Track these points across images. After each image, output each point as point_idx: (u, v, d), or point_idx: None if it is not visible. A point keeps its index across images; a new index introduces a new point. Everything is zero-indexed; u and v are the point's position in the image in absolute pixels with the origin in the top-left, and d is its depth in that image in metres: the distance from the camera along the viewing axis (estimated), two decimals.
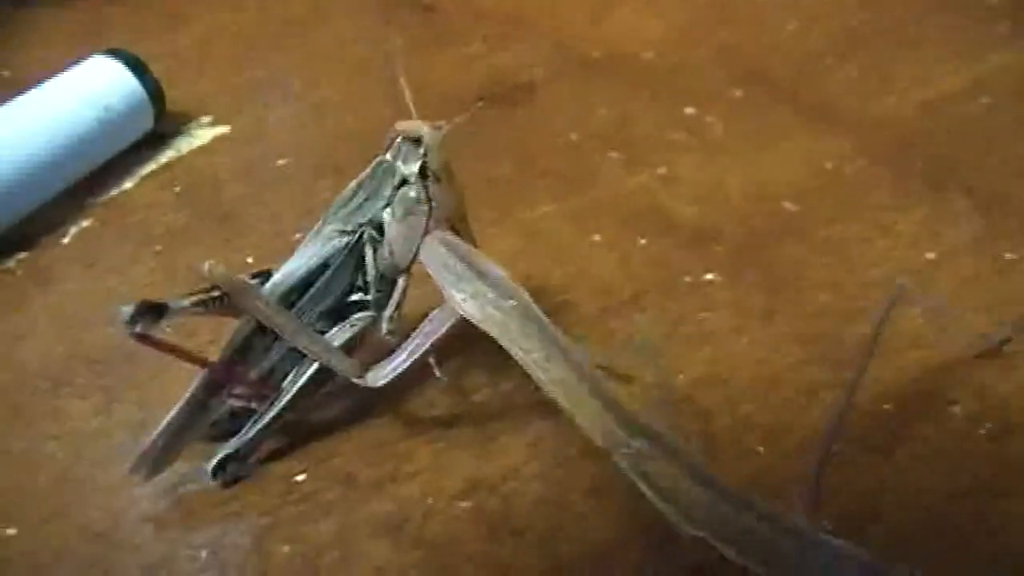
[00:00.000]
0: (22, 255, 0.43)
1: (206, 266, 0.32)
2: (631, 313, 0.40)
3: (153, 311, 0.32)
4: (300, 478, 0.35)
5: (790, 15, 0.60)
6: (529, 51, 0.57)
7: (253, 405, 0.35)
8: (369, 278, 0.36)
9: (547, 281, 0.42)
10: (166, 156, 0.49)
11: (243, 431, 0.35)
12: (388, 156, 0.35)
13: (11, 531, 0.34)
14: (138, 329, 0.31)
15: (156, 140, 0.49)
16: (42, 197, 0.44)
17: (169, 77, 0.50)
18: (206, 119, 0.51)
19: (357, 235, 0.35)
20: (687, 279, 0.43)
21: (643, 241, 0.44)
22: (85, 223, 0.45)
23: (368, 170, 0.36)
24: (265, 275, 0.36)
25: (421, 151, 0.34)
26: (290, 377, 0.36)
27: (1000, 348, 0.40)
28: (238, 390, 0.35)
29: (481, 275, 0.32)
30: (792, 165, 0.49)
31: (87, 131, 0.45)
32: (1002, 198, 0.47)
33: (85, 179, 0.46)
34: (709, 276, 0.43)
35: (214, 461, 0.35)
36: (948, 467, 0.36)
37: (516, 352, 0.31)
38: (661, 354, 0.35)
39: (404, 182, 0.35)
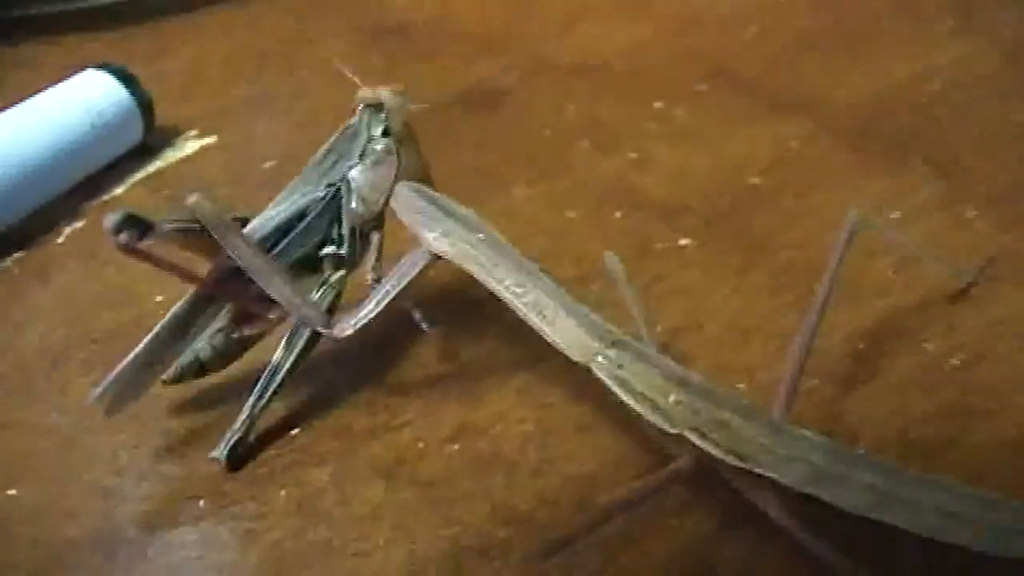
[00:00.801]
0: (19, 254, 0.45)
1: (192, 198, 0.33)
2: (605, 275, 0.42)
3: (138, 224, 0.32)
4: (294, 432, 0.36)
5: (751, 20, 0.63)
6: (502, 63, 0.59)
7: (236, 335, 0.36)
8: (343, 231, 0.37)
9: (525, 252, 0.43)
10: (155, 165, 0.50)
11: (245, 413, 0.35)
12: (353, 121, 0.38)
13: (12, 491, 0.35)
14: (122, 239, 0.32)
15: (145, 151, 0.51)
16: (35, 201, 0.46)
17: (157, 100, 0.52)
18: (193, 132, 0.53)
19: (333, 190, 0.37)
20: (660, 244, 0.44)
21: (618, 214, 0.46)
22: (79, 224, 0.47)
23: (336, 134, 0.38)
24: (243, 220, 0.37)
25: (382, 115, 0.37)
26: (280, 350, 0.36)
27: (968, 289, 0.42)
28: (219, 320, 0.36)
29: (450, 213, 0.33)
30: (757, 146, 0.51)
31: (79, 139, 0.47)
32: (960, 165, 0.49)
33: (76, 186, 0.48)
34: (683, 241, 0.44)
35: (226, 448, 0.35)
36: (921, 394, 0.37)
37: (490, 282, 0.32)
38: (630, 281, 0.37)
39: (370, 141, 0.37)
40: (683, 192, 0.48)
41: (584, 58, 0.60)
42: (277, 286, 0.34)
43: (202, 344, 0.36)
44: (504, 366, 0.39)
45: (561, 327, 0.31)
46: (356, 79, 0.38)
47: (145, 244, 0.33)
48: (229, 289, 0.36)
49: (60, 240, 0.46)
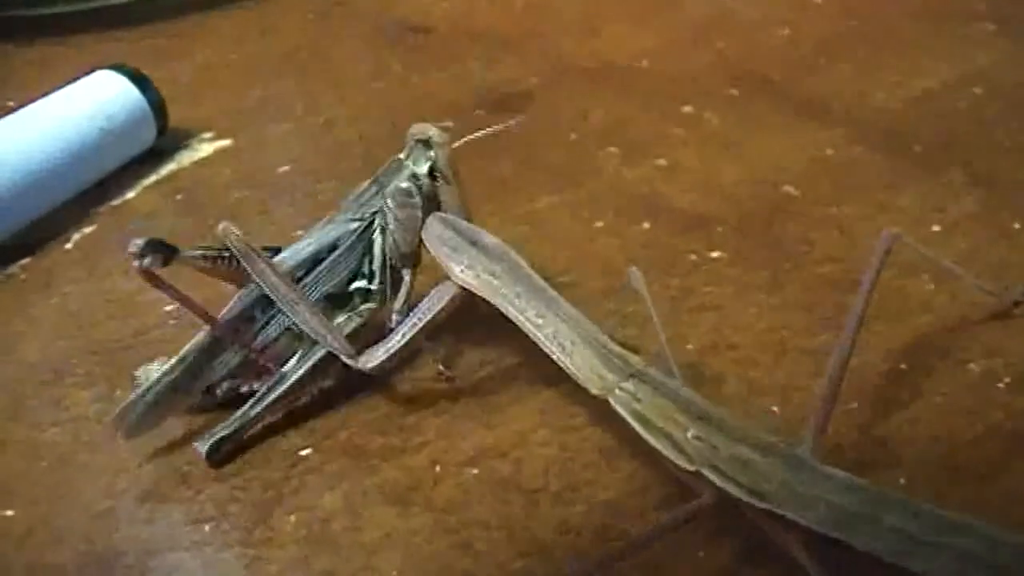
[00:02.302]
0: (26, 260, 0.43)
1: (221, 226, 0.33)
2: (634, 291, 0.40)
3: (163, 249, 0.32)
4: (305, 452, 0.35)
5: (781, 23, 0.61)
6: (524, 65, 0.57)
7: (245, 387, 0.35)
8: (375, 266, 0.37)
9: (550, 264, 0.42)
10: (167, 168, 0.49)
11: (240, 412, 0.34)
12: (401, 156, 0.37)
13: (9, 512, 0.33)
14: (146, 263, 0.32)
15: (158, 154, 0.49)
16: (45, 205, 0.45)
17: (171, 99, 0.50)
18: (207, 135, 0.51)
19: (367, 222, 0.37)
20: (692, 257, 0.42)
21: (645, 225, 0.44)
22: (88, 229, 0.45)
23: (383, 167, 0.37)
24: (273, 251, 0.37)
25: (431, 152, 0.36)
26: (294, 361, 0.36)
27: (1012, 308, 0.40)
28: (229, 364, 0.35)
29: (474, 243, 0.33)
30: (789, 154, 0.49)
31: (90, 142, 0.45)
32: (1001, 174, 0.47)
33: (87, 190, 0.47)
34: (714, 254, 0.43)
35: (210, 441, 0.34)
36: (966, 418, 0.35)
37: (512, 313, 0.31)
38: (652, 297, 0.35)
39: (414, 178, 0.36)
40: (713, 202, 0.46)
41: (608, 60, 0.58)
42: (303, 316, 0.34)
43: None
44: (526, 384, 0.37)
45: (579, 359, 0.30)
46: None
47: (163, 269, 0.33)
48: (239, 336, 0.35)
49: (68, 246, 0.44)
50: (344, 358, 0.34)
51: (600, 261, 0.42)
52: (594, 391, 0.30)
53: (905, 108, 0.53)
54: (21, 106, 0.46)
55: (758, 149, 0.49)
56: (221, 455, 0.34)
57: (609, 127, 0.52)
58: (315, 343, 0.35)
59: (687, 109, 0.53)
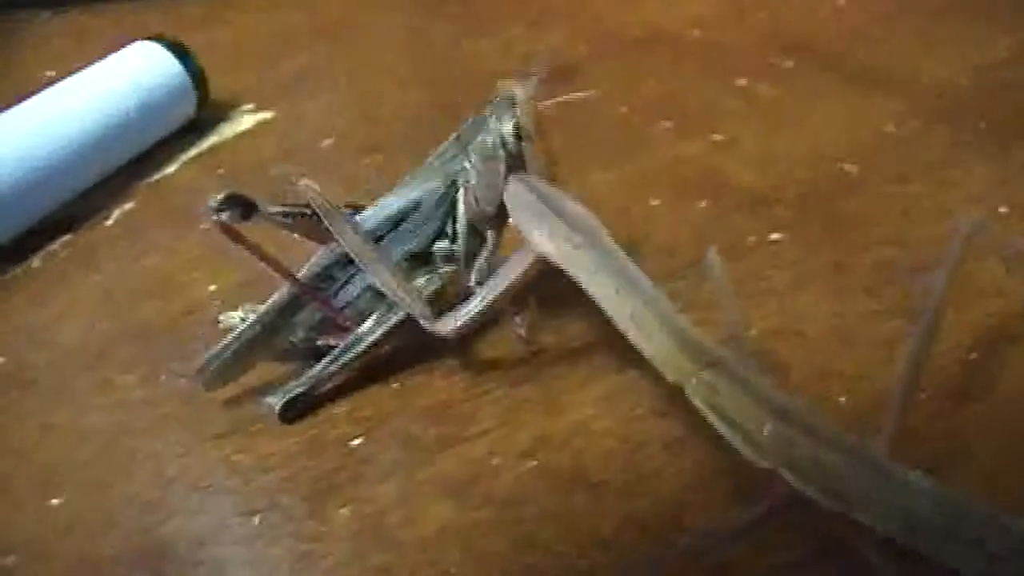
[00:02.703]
0: (66, 237, 0.42)
1: (302, 182, 0.32)
2: (697, 273, 0.39)
3: (242, 204, 0.32)
4: (357, 442, 0.33)
5: None
6: (571, 34, 0.56)
7: (323, 343, 0.35)
8: (459, 227, 0.36)
9: None
10: (208, 141, 0.48)
11: (316, 370, 0.34)
12: (486, 112, 0.36)
13: (55, 501, 0.32)
14: (224, 218, 0.31)
15: (198, 126, 0.48)
16: (85, 181, 0.44)
17: (210, 69, 0.49)
18: (248, 106, 0.50)
19: (450, 182, 0.36)
20: (752, 238, 0.41)
21: (703, 204, 0.43)
22: (128, 205, 0.44)
23: (466, 124, 0.36)
24: (355, 209, 0.36)
25: (515, 110, 0.35)
26: (370, 322, 0.35)
27: None
28: (309, 320, 0.35)
29: (559, 213, 0.30)
30: (847, 128, 0.47)
31: (130, 115, 0.44)
32: None
33: (128, 164, 0.46)
34: (774, 236, 0.41)
35: (285, 399, 0.34)
36: None
37: (591, 288, 0.29)
38: (730, 281, 0.33)
39: (500, 138, 0.35)
40: (772, 179, 0.44)
41: (657, 29, 0.56)
42: (383, 276, 0.33)
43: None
44: (587, 370, 0.35)
45: (657, 343, 0.28)
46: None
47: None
48: (318, 293, 0.35)
49: (109, 223, 0.43)
50: (422, 321, 0.33)
51: (660, 242, 0.41)
52: (670, 378, 0.28)
53: (967, 79, 0.51)
54: (60, 77, 0.45)
55: (816, 124, 0.48)
56: (293, 412, 0.34)
57: (661, 100, 0.50)
58: (393, 304, 0.34)
59: (741, 82, 0.51)
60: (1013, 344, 0.36)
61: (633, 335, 0.29)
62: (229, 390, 0.35)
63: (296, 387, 0.34)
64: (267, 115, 0.50)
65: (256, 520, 0.31)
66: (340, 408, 0.34)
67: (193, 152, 0.47)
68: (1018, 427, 0.33)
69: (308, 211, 0.33)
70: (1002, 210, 0.42)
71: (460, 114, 0.38)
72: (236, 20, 0.58)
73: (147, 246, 0.42)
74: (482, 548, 0.30)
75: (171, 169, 0.46)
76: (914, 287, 0.35)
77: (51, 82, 0.45)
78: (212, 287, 0.39)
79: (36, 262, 0.42)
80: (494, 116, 0.35)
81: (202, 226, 0.42)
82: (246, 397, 0.35)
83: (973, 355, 0.36)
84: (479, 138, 0.35)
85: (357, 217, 0.35)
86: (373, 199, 0.36)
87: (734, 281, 0.38)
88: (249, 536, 0.31)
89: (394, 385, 0.35)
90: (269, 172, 0.45)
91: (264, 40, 0.56)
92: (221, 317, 0.35)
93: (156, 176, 0.46)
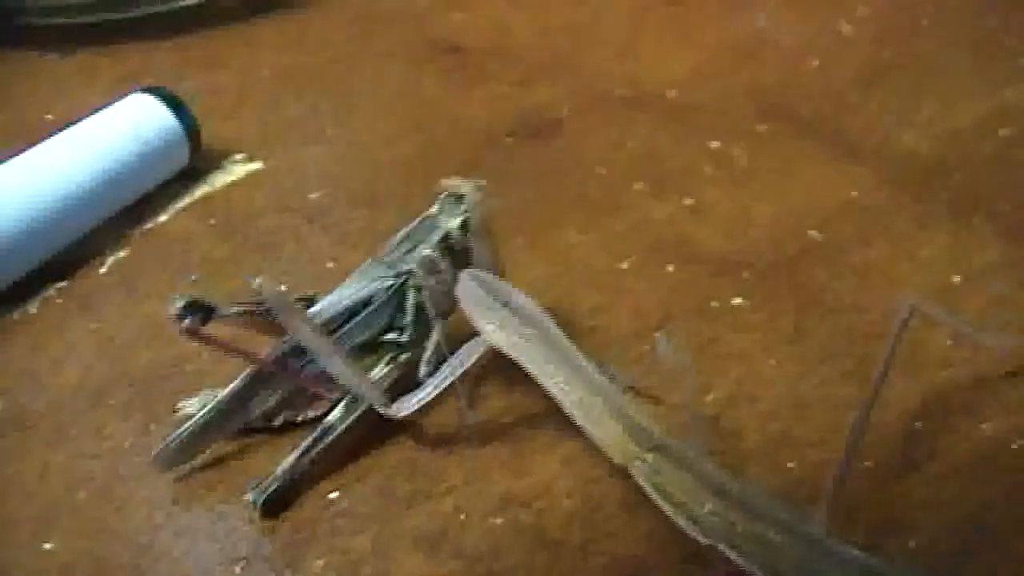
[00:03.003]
0: (62, 284, 0.44)
1: (256, 281, 0.34)
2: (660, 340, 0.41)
3: (201, 309, 0.34)
4: (334, 495, 0.36)
5: (813, 53, 0.61)
6: (556, 90, 0.58)
7: (300, 417, 0.37)
8: (407, 320, 0.38)
9: (578, 305, 0.42)
10: (201, 190, 0.50)
11: (289, 462, 0.35)
12: (433, 210, 0.38)
13: (48, 545, 0.34)
14: (186, 324, 0.33)
15: (191, 175, 0.50)
16: (81, 228, 0.46)
17: (206, 116, 0.51)
18: (240, 156, 0.52)
19: (401, 280, 0.38)
20: (715, 303, 0.43)
21: (671, 268, 0.45)
22: (122, 253, 0.46)
23: (415, 222, 0.38)
24: (308, 301, 0.38)
25: (463, 207, 0.37)
26: (339, 411, 0.37)
27: None
28: (277, 395, 0.37)
29: (507, 304, 0.33)
30: (816, 195, 0.50)
31: (125, 164, 0.46)
32: None
33: (120, 213, 0.48)
34: (737, 300, 0.43)
35: (264, 495, 0.35)
36: (980, 480, 0.36)
37: (540, 378, 0.32)
38: (687, 358, 0.36)
39: (447, 236, 0.37)
40: (739, 244, 0.46)
41: (640, 88, 0.58)
42: (339, 367, 0.35)
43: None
44: (550, 432, 0.37)
45: (603, 428, 0.31)
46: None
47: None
48: (287, 371, 0.37)
49: (103, 270, 0.45)
50: (378, 407, 0.35)
51: (628, 304, 0.43)
52: (616, 460, 0.31)
53: (934, 149, 0.53)
54: (59, 120, 0.47)
55: (785, 189, 0.50)
56: (273, 505, 0.35)
57: (638, 161, 0.52)
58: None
59: (715, 144, 0.53)
60: (958, 414, 0.38)
61: (580, 421, 0.31)
62: (217, 447, 0.37)
63: (273, 482, 0.35)
64: (258, 165, 0.52)
65: (238, 568, 0.33)
66: (315, 465, 0.36)
67: (186, 201, 0.49)
68: (960, 498, 0.35)
69: (263, 308, 0.35)
70: (955, 279, 0.44)
71: (448, 169, 0.40)
72: (237, 65, 0.60)
73: (143, 294, 0.44)
74: None
75: (164, 218, 0.48)
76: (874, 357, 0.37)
77: (49, 125, 0.47)
78: None
79: (33, 308, 0.43)
80: (442, 213, 0.38)
81: (192, 277, 0.44)
82: (233, 449, 0.37)
83: (918, 424, 0.38)
84: (422, 248, 0.37)
85: (311, 310, 0.37)
86: (362, 252, 0.39)
87: (695, 346, 0.41)
88: None
89: (370, 442, 0.37)
90: (260, 222, 0.47)
91: (260, 85, 0.58)
92: (179, 404, 0.37)
93: (149, 224, 0.48)
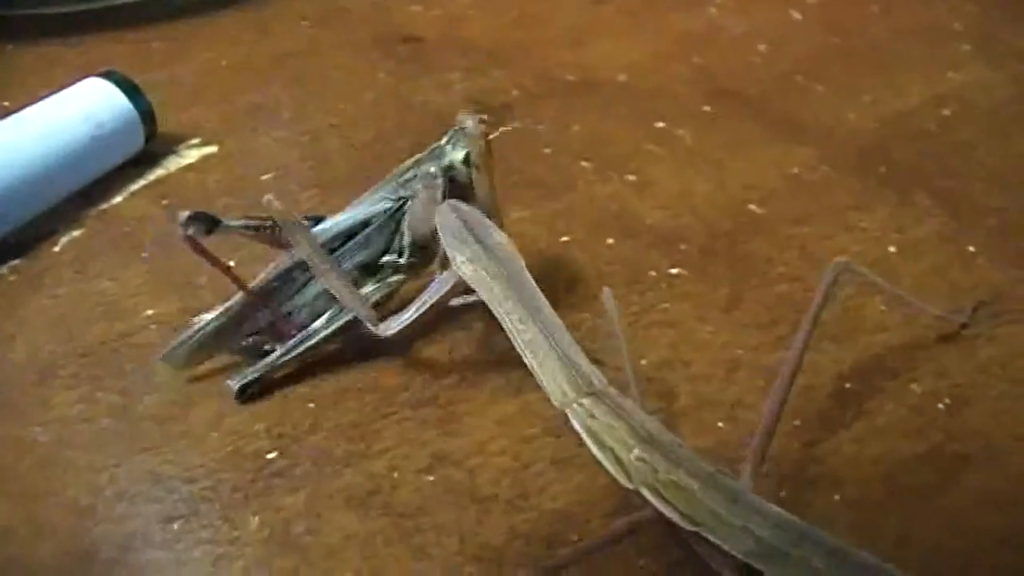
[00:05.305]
0: (15, 262, 0.45)
1: (265, 198, 0.37)
2: (597, 305, 0.42)
3: (205, 220, 0.36)
4: (271, 455, 0.36)
5: (762, 39, 0.63)
6: (508, 77, 0.59)
7: (268, 346, 0.39)
8: (405, 242, 0.40)
9: None
10: (155, 173, 0.51)
11: (271, 359, 0.39)
12: (443, 141, 0.40)
13: None
14: (189, 232, 0.35)
15: (146, 159, 0.51)
16: (35, 208, 0.46)
17: (164, 105, 0.52)
18: (195, 141, 0.53)
19: (400, 203, 0.40)
20: (653, 273, 0.44)
21: (611, 241, 0.46)
22: (76, 233, 0.47)
23: (426, 151, 0.40)
24: (314, 220, 0.40)
25: (467, 140, 0.39)
26: (323, 319, 0.39)
27: (959, 331, 0.41)
28: (262, 322, 0.39)
29: (479, 240, 0.34)
30: (759, 172, 0.51)
31: (79, 147, 0.47)
32: (964, 198, 0.49)
33: (75, 194, 0.48)
34: (675, 271, 0.44)
35: (241, 382, 0.38)
36: (907, 438, 0.37)
37: (499, 313, 0.33)
38: (623, 316, 0.37)
39: (450, 165, 0.39)
40: (680, 219, 0.47)
41: (591, 74, 0.59)
42: (333, 282, 0.37)
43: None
44: (487, 394, 0.39)
45: (548, 370, 0.31)
46: None
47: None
48: (268, 302, 0.39)
49: (57, 248, 0.46)
50: (367, 324, 0.37)
51: (568, 276, 0.44)
52: (555, 402, 0.31)
53: (877, 129, 0.54)
54: (16, 109, 0.48)
55: (728, 167, 0.51)
56: (248, 394, 0.38)
57: (585, 141, 0.53)
58: (343, 307, 0.38)
59: (660, 125, 0.54)
60: (888, 376, 0.39)
61: (529, 360, 0.32)
62: (158, 408, 0.38)
63: (252, 373, 0.38)
64: (212, 149, 0.53)
65: (176, 526, 0.34)
66: (259, 425, 0.37)
67: (140, 183, 0.50)
68: (886, 454, 0.36)
69: (268, 223, 0.38)
70: (891, 249, 0.45)
71: (399, 153, 0.41)
72: (195, 55, 0.61)
73: (94, 273, 0.44)
74: (380, 555, 0.33)
75: (118, 199, 0.49)
76: None
77: (6, 112, 0.48)
78: (149, 312, 0.42)
79: None
80: (449, 144, 0.39)
81: (144, 255, 0.45)
82: (176, 414, 0.38)
83: (848, 385, 0.39)
84: (428, 165, 0.39)
85: (314, 229, 0.39)
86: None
87: (633, 313, 0.42)
88: (170, 540, 0.34)
89: (310, 405, 0.38)
90: (213, 203, 0.48)
91: (219, 76, 0.59)
92: (195, 319, 0.39)
93: (104, 205, 0.48)
